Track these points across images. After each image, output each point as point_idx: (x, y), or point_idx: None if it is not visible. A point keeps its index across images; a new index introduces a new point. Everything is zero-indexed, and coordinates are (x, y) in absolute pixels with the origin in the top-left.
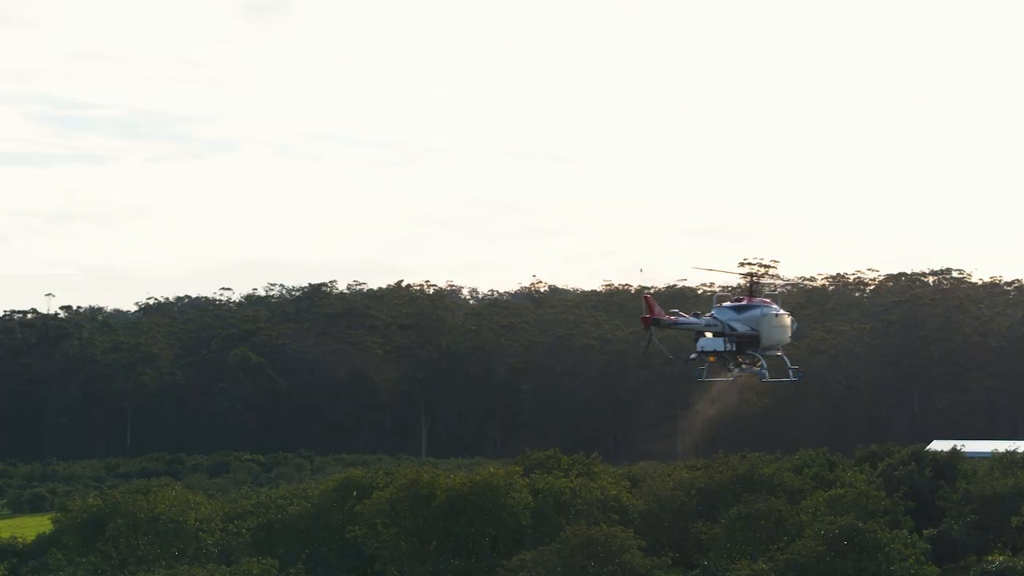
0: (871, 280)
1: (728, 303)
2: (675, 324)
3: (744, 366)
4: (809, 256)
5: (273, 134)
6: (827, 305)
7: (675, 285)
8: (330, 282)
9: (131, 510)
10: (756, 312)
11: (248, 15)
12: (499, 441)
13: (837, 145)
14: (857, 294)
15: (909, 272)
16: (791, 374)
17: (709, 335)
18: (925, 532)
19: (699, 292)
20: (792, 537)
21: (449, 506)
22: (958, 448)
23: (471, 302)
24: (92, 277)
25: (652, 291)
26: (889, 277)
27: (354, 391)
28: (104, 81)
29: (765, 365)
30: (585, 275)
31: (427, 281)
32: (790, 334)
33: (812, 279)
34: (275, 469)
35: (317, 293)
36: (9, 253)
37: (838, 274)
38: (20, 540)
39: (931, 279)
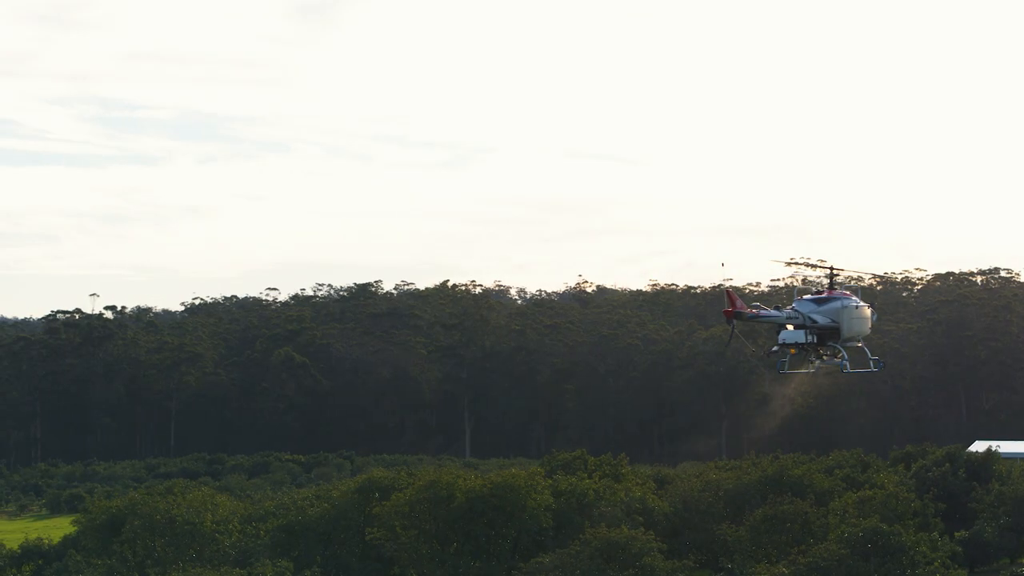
0: (918, 280)
1: (809, 296)
2: (757, 317)
3: (825, 358)
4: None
5: (325, 135)
6: (874, 305)
7: (721, 284)
8: (375, 282)
9: (148, 511)
10: (837, 304)
11: (300, 16)
12: (543, 441)
13: (891, 144)
14: (905, 294)
15: (957, 271)
16: (872, 364)
17: (791, 327)
18: (957, 534)
19: (745, 291)
20: (818, 539)
21: (468, 508)
22: (995, 449)
23: (519, 302)
24: (145, 277)
25: (699, 290)
26: (937, 276)
27: (398, 391)
28: (156, 83)
29: (846, 356)
30: (637, 275)
31: (473, 281)
32: (870, 325)
33: (860, 278)
34: (315, 470)
35: (364, 293)
36: (63, 254)
37: (886, 273)
38: (47, 541)
39: (979, 278)
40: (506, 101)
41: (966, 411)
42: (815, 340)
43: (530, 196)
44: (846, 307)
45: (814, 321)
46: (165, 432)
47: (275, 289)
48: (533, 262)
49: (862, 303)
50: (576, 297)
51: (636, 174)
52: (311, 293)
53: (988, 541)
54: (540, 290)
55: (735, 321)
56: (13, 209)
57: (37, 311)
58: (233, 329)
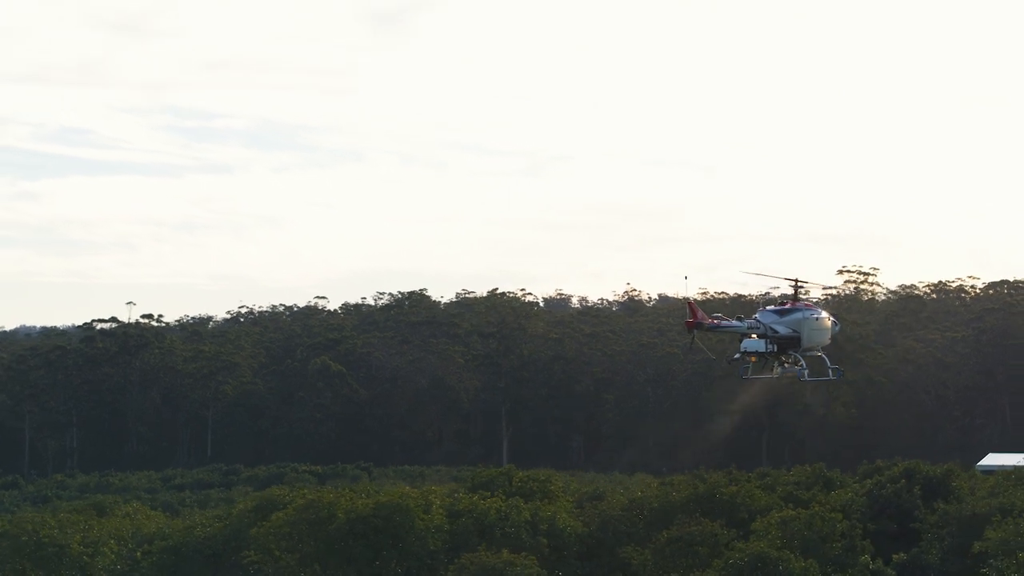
0: (970, 288)
1: (771, 307)
2: (717, 327)
3: (786, 365)
4: (934, 263)
5: (399, 143)
6: (923, 313)
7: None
8: (421, 289)
9: (16, 533)
10: (798, 315)
11: (374, 24)
12: (583, 451)
13: (969, 151)
14: (957, 303)
15: (1012, 280)
16: (830, 373)
17: (754, 336)
18: (895, 557)
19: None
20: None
21: (349, 529)
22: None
23: (579, 309)
24: (219, 285)
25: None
26: (991, 285)
27: (435, 400)
28: (231, 92)
29: (805, 365)
30: (712, 283)
31: (523, 289)
32: (830, 336)
33: (913, 286)
34: (329, 481)
35: (410, 300)
36: (139, 262)
37: (940, 282)
38: None
39: None
40: (581, 109)
41: (1011, 421)
42: (775, 349)
43: (605, 203)
44: (806, 318)
45: (775, 331)
46: (202, 441)
47: (323, 297)
48: (607, 269)
49: (823, 314)
50: (626, 306)
51: (711, 181)
52: (359, 302)
53: (929, 564)
54: (602, 298)
55: (695, 331)
56: (90, 218)
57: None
58: (277, 338)
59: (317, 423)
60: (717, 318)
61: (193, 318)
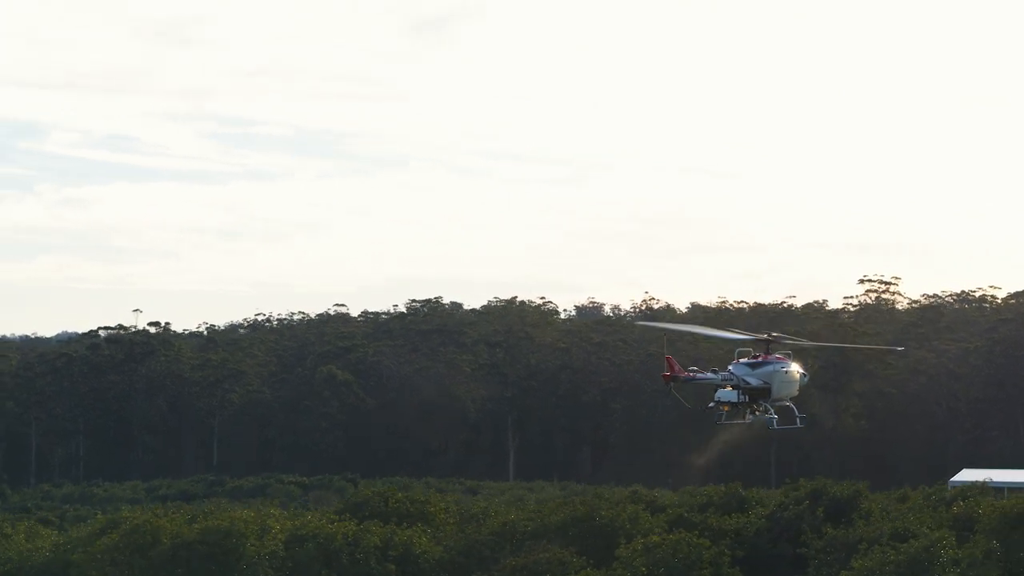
0: (991, 298)
1: (745, 360)
2: (693, 380)
3: (757, 413)
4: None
5: (440, 151)
6: (940, 323)
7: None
8: (435, 298)
9: None
10: (769, 368)
11: (415, 32)
12: (591, 463)
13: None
14: (978, 313)
15: None
16: (798, 421)
17: (728, 387)
18: None
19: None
20: None
21: (172, 556)
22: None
23: (613, 318)
24: (261, 292)
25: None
26: (1013, 295)
27: (442, 410)
28: (273, 99)
29: (774, 414)
30: (753, 291)
31: (543, 297)
32: (798, 388)
33: (936, 296)
34: (311, 493)
35: (427, 308)
36: (180, 269)
37: (962, 291)
38: None
39: None
40: (621, 117)
41: None
42: (747, 399)
43: (646, 212)
44: (776, 371)
45: (747, 383)
46: (209, 450)
47: (343, 305)
48: (647, 277)
49: (792, 366)
50: (642, 314)
51: (750, 189)
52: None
53: None
54: (635, 307)
55: (672, 384)
56: (133, 224)
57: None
58: (291, 346)
59: (323, 432)
60: (692, 371)
61: (212, 326)
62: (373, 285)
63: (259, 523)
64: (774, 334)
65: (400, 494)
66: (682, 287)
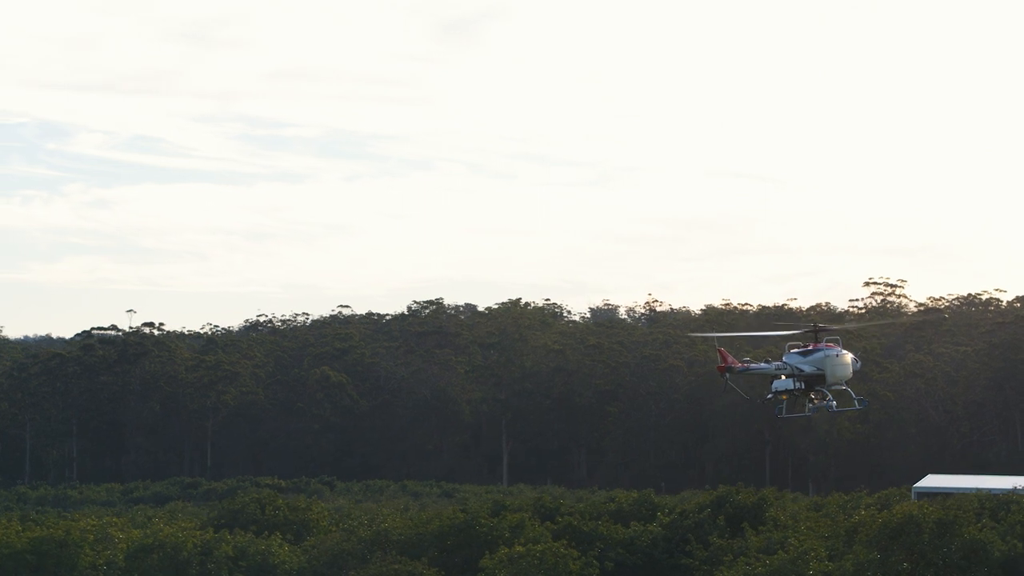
0: (997, 302)
1: (796, 349)
2: (747, 370)
3: (816, 402)
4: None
5: (467, 153)
6: (943, 327)
7: (784, 305)
8: (437, 299)
9: None
10: (820, 355)
11: (443, 34)
12: (586, 465)
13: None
14: (982, 316)
15: None
16: (856, 403)
17: (783, 377)
18: None
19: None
20: None
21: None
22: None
23: (627, 321)
24: (291, 295)
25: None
26: (1019, 298)
27: (436, 412)
28: (301, 101)
29: (831, 398)
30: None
31: (547, 299)
32: (852, 371)
33: (941, 299)
34: (290, 495)
35: (428, 309)
36: (210, 271)
37: (968, 294)
38: None
39: None
40: (648, 120)
41: (1021, 437)
42: (803, 387)
43: (673, 215)
44: (828, 356)
45: (800, 370)
46: (203, 452)
47: (347, 306)
48: (673, 280)
49: (843, 351)
50: (646, 316)
51: (779, 192)
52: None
53: None
54: (651, 308)
55: (727, 375)
56: (162, 226)
57: (189, 327)
58: (290, 347)
59: (316, 434)
60: (746, 362)
61: (215, 327)
62: (401, 287)
63: (99, 532)
64: (820, 324)
65: (280, 500)
66: (710, 289)
